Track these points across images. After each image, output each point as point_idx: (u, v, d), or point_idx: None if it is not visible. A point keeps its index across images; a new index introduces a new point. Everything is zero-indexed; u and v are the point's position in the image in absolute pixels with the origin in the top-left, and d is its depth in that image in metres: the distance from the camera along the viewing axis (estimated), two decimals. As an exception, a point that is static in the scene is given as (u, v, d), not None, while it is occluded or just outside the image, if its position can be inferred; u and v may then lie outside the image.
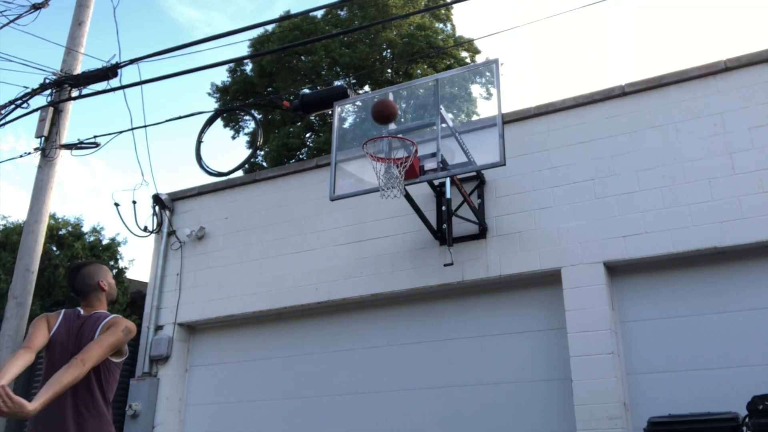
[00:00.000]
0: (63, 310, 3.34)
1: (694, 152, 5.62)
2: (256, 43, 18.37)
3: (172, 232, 8.04)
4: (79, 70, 7.93)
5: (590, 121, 6.16)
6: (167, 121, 7.44)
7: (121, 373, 7.78)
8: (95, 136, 7.61)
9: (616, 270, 5.73)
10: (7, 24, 7.84)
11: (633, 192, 5.72)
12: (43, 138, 7.64)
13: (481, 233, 6.20)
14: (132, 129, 7.57)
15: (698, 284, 5.43)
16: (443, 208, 6.35)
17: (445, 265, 5.97)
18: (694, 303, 5.39)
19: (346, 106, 6.66)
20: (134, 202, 7.89)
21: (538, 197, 6.10)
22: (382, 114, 5.13)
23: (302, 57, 18.59)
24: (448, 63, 17.95)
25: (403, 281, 6.42)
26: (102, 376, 3.16)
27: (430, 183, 6.36)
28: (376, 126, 6.18)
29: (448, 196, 5.82)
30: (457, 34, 19.47)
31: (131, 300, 16.55)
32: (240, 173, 11.20)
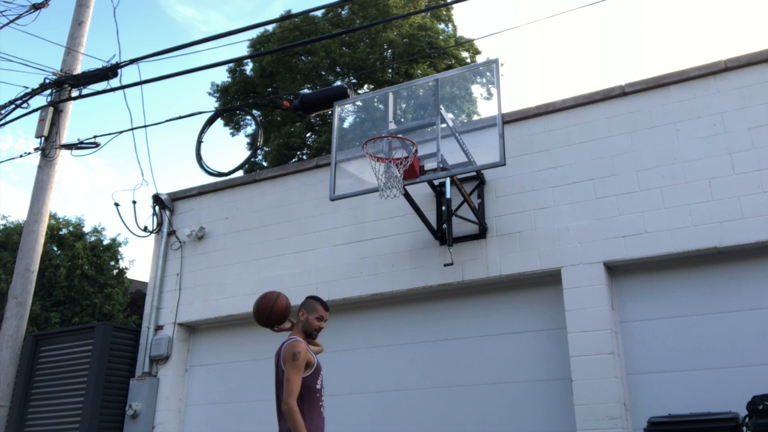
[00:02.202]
0: None
1: (694, 152, 5.61)
2: (256, 43, 18.37)
3: (172, 232, 8.05)
4: (79, 70, 7.94)
5: (590, 121, 6.16)
6: (167, 121, 7.45)
7: (121, 373, 7.80)
8: (95, 136, 7.64)
9: (616, 270, 5.73)
10: (7, 24, 7.85)
11: (633, 192, 5.72)
12: (43, 138, 7.65)
13: (481, 233, 6.20)
14: (132, 129, 7.59)
15: (698, 284, 5.43)
16: (443, 208, 6.35)
17: (445, 265, 5.97)
18: (694, 303, 5.38)
19: (346, 106, 6.65)
20: (134, 202, 7.91)
21: (538, 197, 6.10)
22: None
23: (302, 57, 18.59)
24: (449, 63, 17.96)
25: (403, 281, 6.42)
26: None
27: (430, 183, 6.36)
28: (377, 126, 6.18)
29: (448, 196, 5.81)
30: (458, 34, 19.48)
31: (131, 300, 16.56)
32: (240, 173, 11.21)
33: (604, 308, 5.47)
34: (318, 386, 3.91)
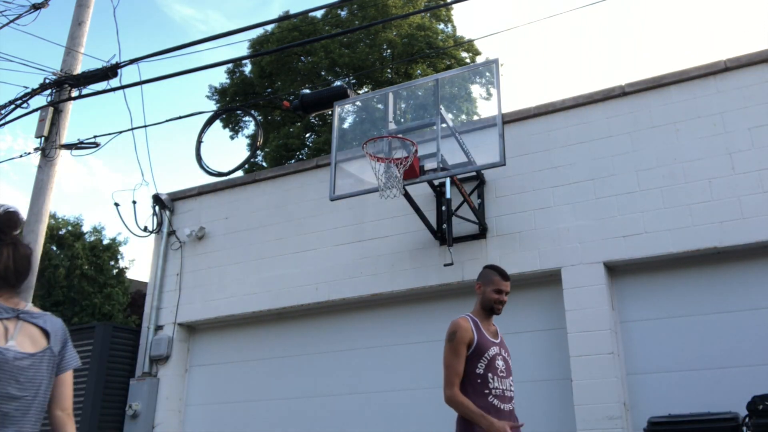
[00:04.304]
0: None
1: (694, 152, 5.62)
2: (255, 44, 18.36)
3: (172, 232, 8.05)
4: (79, 70, 7.93)
5: (590, 121, 6.16)
6: (167, 121, 7.44)
7: (121, 373, 7.76)
8: (95, 136, 7.62)
9: (616, 270, 5.73)
10: (7, 24, 7.84)
11: (633, 192, 5.72)
12: (43, 138, 7.64)
13: (481, 233, 6.20)
14: (132, 129, 7.58)
15: (698, 284, 5.43)
16: (443, 208, 6.35)
17: (445, 265, 5.97)
18: (694, 303, 5.39)
19: (346, 106, 6.66)
20: (134, 202, 7.90)
21: (538, 197, 6.11)
22: None
23: (302, 57, 18.59)
24: (448, 63, 17.95)
25: (403, 281, 6.42)
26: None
27: (430, 183, 6.36)
28: (376, 126, 6.19)
29: (448, 196, 5.82)
30: (457, 34, 19.48)
31: (131, 300, 16.55)
32: (240, 173, 11.20)
33: (604, 308, 5.47)
34: (481, 371, 3.28)
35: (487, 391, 3.23)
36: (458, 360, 3.26)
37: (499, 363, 3.36)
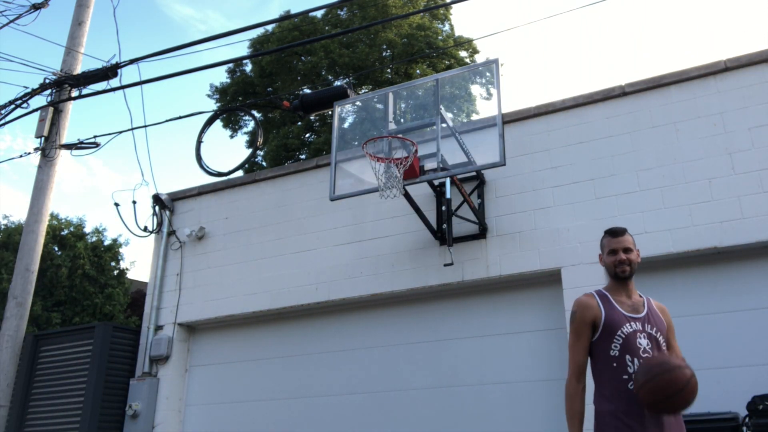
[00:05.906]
0: None
1: (694, 152, 5.62)
2: (255, 44, 18.37)
3: (172, 232, 8.05)
4: (79, 70, 7.95)
5: (590, 121, 6.16)
6: (167, 121, 7.47)
7: (121, 373, 7.76)
8: (95, 136, 7.65)
9: (616, 270, 5.71)
10: (7, 24, 7.85)
11: (633, 192, 5.72)
12: (43, 138, 7.66)
13: (481, 233, 6.20)
14: (132, 129, 7.60)
15: (698, 284, 5.43)
16: (443, 208, 6.36)
17: (445, 265, 5.98)
18: (694, 303, 5.38)
19: (346, 106, 6.66)
20: (134, 202, 7.92)
21: (538, 197, 6.11)
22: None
23: (302, 57, 18.60)
24: (448, 63, 17.96)
25: (403, 281, 6.42)
26: (592, 363, 2.96)
27: (430, 183, 6.36)
28: (376, 126, 6.19)
29: (448, 196, 5.82)
30: (456, 33, 19.48)
31: (132, 300, 16.57)
32: (240, 173, 11.21)
33: (604, 308, 5.46)
34: (615, 353, 2.83)
35: (626, 377, 2.77)
36: (579, 344, 2.88)
37: (641, 341, 2.86)
